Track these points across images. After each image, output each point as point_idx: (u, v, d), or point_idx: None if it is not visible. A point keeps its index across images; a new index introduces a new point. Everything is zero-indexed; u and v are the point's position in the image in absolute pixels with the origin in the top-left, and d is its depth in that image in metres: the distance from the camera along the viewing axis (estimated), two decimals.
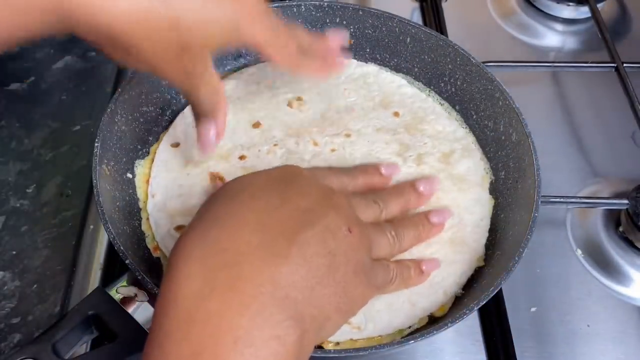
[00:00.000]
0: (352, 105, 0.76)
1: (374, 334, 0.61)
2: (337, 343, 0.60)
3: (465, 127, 0.76)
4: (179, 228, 0.66)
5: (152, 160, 0.72)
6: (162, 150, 0.73)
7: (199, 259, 0.44)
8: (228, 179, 0.69)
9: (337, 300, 0.49)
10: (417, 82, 0.80)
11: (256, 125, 0.74)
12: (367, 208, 0.60)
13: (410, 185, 0.67)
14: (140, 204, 0.69)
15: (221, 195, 0.51)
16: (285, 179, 0.54)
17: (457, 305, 0.63)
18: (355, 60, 0.82)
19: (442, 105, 0.78)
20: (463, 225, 0.67)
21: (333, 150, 0.72)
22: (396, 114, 0.76)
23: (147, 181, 0.70)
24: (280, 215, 0.48)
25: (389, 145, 0.72)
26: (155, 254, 0.66)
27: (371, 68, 0.81)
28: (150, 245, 0.66)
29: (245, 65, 0.82)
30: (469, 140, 0.75)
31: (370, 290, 0.55)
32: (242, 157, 0.71)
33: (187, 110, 0.76)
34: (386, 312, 0.61)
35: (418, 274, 0.62)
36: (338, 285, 0.49)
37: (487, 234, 0.68)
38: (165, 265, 0.65)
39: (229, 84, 0.79)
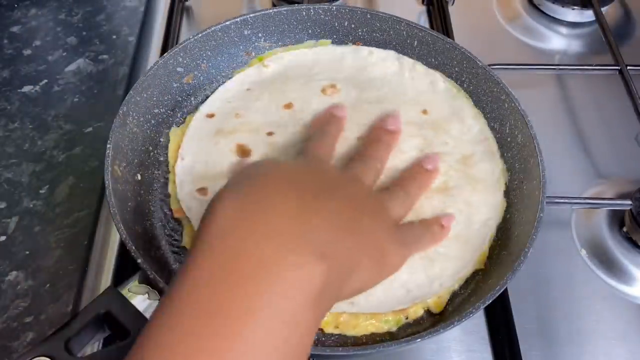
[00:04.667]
0: (383, 98, 0.77)
1: (366, 310, 0.62)
2: (337, 327, 0.62)
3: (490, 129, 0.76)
4: (200, 190, 0.69)
5: (187, 128, 0.75)
6: (198, 118, 0.75)
7: (229, 205, 0.46)
8: (253, 150, 0.72)
9: (366, 245, 0.52)
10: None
11: (288, 106, 0.76)
12: (367, 170, 0.65)
13: (379, 128, 0.72)
14: (170, 167, 0.72)
15: (248, 168, 0.53)
16: (304, 165, 0.61)
17: (462, 304, 0.64)
18: (393, 52, 0.82)
19: (471, 104, 0.77)
20: (470, 223, 0.68)
21: (359, 138, 0.72)
22: (425, 112, 0.76)
23: (178, 147, 0.73)
24: (306, 180, 0.53)
25: (413, 138, 0.72)
26: (177, 215, 0.69)
27: (407, 61, 0.81)
28: (173, 206, 0.69)
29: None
30: (492, 143, 0.75)
31: (403, 247, 0.59)
32: (269, 133, 0.73)
33: (227, 85, 0.79)
34: (381, 291, 0.62)
35: (440, 229, 0.65)
36: (365, 232, 0.52)
37: (493, 235, 0.68)
38: (185, 225, 0.68)
39: (270, 66, 0.81)
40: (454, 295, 0.65)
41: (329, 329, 0.62)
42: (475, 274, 0.66)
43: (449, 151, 0.72)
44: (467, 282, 0.66)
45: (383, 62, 0.81)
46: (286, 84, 0.78)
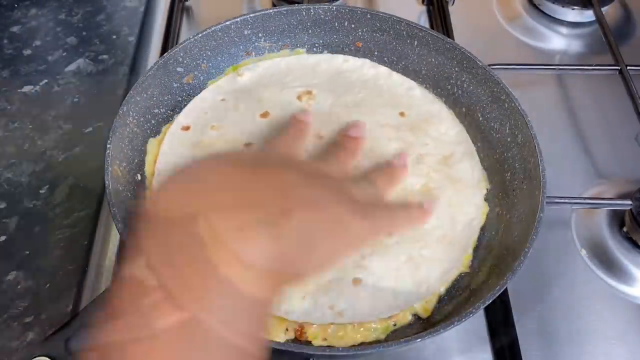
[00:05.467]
0: (360, 102, 0.77)
1: (354, 319, 0.62)
2: (325, 339, 0.61)
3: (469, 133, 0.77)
4: None
5: (162, 140, 0.74)
6: (173, 131, 0.75)
7: (172, 188, 0.47)
8: None
9: (322, 217, 0.50)
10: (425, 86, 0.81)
11: (264, 115, 0.75)
12: (328, 167, 0.64)
13: (342, 135, 0.72)
14: (147, 182, 0.71)
15: (189, 162, 0.52)
16: (253, 153, 0.62)
17: (463, 304, 0.64)
18: (368, 61, 0.83)
19: (449, 109, 0.79)
20: (454, 224, 0.68)
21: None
22: (402, 114, 0.77)
23: (155, 160, 0.72)
24: (251, 159, 0.53)
25: (391, 141, 0.73)
26: None
27: (383, 70, 0.82)
28: None
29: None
30: (471, 145, 0.76)
31: (367, 219, 0.55)
32: (247, 144, 0.73)
33: (202, 95, 0.78)
34: (369, 299, 0.62)
35: (420, 212, 0.65)
36: (320, 204, 0.50)
37: (477, 235, 0.69)
38: None
39: (245, 75, 0.80)
40: (441, 299, 0.65)
41: (317, 342, 0.61)
42: (460, 277, 0.66)
43: (429, 152, 0.73)
44: (454, 286, 0.66)
45: (359, 69, 0.82)
46: (261, 92, 0.78)
